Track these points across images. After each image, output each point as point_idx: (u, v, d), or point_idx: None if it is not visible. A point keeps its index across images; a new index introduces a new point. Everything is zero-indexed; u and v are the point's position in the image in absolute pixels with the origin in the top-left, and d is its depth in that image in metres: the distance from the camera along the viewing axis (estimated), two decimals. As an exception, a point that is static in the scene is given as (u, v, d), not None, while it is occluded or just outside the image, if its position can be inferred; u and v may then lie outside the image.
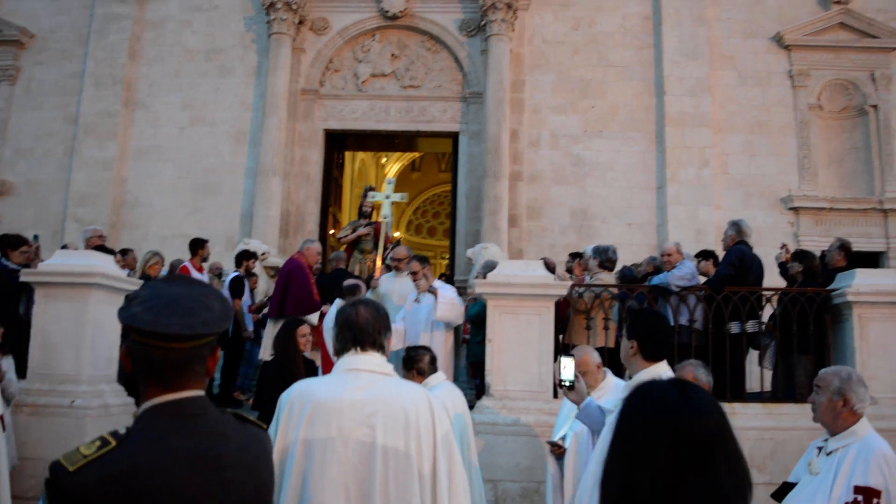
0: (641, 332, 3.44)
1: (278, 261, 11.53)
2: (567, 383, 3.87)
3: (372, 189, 12.80)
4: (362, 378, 2.57)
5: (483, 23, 12.66)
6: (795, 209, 12.37)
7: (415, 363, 4.70)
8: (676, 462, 1.25)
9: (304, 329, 5.38)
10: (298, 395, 2.59)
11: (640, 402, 1.35)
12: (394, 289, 8.27)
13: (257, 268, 10.23)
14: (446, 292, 7.54)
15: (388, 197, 9.57)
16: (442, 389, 4.71)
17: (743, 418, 6.34)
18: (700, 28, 12.67)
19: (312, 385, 2.65)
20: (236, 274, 9.18)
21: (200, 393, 1.60)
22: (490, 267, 7.21)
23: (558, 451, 4.96)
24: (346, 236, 11.09)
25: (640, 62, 12.80)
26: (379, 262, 9.25)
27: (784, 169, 12.50)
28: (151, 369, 1.55)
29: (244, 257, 9.50)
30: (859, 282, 6.60)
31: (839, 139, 12.80)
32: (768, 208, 12.34)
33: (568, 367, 3.89)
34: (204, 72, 13.13)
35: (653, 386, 1.37)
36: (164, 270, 8.72)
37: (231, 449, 1.57)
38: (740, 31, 12.90)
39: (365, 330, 2.64)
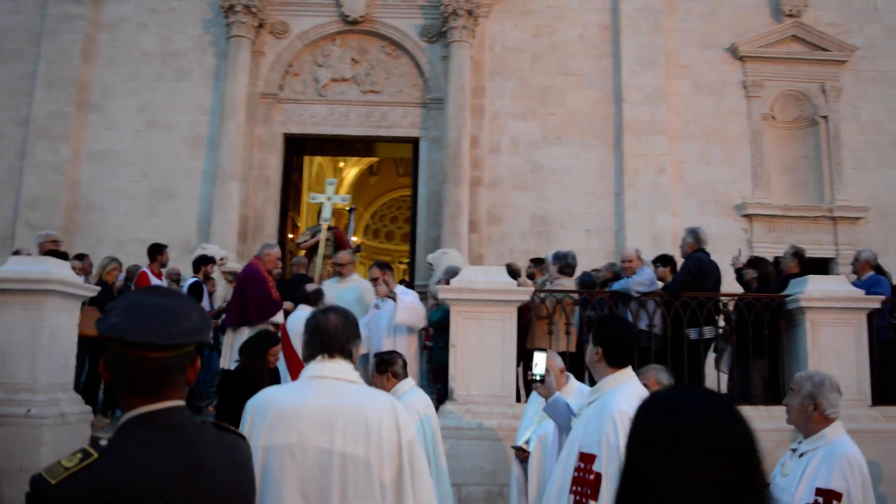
0: (607, 339, 3.45)
1: (237, 266, 11.40)
2: (538, 377, 3.92)
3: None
4: (325, 385, 2.56)
5: (444, 29, 12.71)
6: (749, 216, 12.65)
7: (389, 366, 4.72)
8: (722, 470, 1.24)
9: (277, 349, 5.35)
10: (261, 403, 2.58)
11: (670, 413, 1.31)
12: (334, 294, 8.15)
13: (215, 273, 10.10)
14: (406, 296, 7.55)
15: (329, 199, 9.31)
16: (414, 394, 4.75)
17: (701, 421, 6.46)
18: (657, 38, 12.90)
19: (275, 392, 2.66)
20: (195, 280, 9.06)
21: (181, 403, 1.60)
22: (453, 273, 7.24)
23: (523, 455, 5.01)
24: (306, 241, 11.02)
25: (598, 70, 12.98)
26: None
27: (738, 177, 12.78)
28: (131, 380, 1.54)
29: (202, 262, 9.38)
30: (812, 288, 6.79)
31: (791, 148, 13.13)
32: (723, 215, 12.60)
33: (540, 363, 3.94)
34: (160, 74, 12.95)
35: (677, 396, 1.36)
36: (122, 276, 8.57)
37: (212, 458, 1.57)
38: (696, 42, 13.17)
39: (333, 337, 2.64)
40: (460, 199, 12.00)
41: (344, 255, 8.46)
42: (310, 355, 2.65)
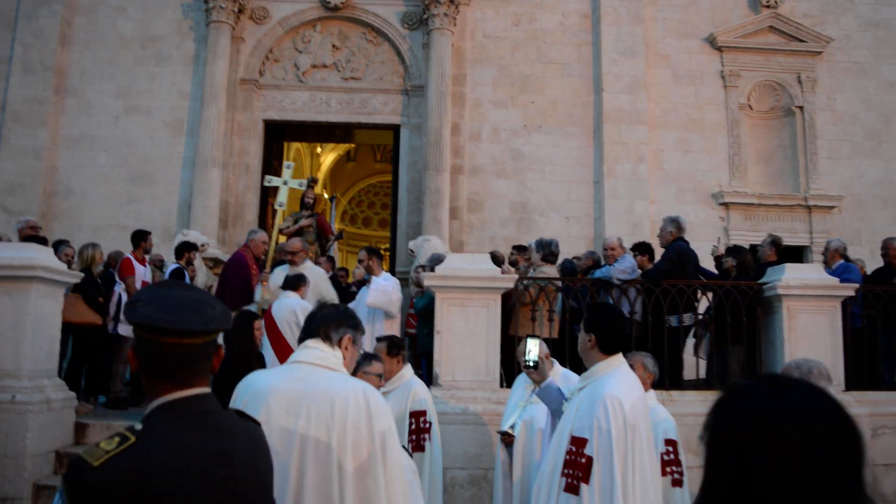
0: (599, 327, 3.52)
1: (217, 252, 11.40)
2: (531, 363, 4.01)
3: (314, 180, 12.75)
4: (303, 370, 2.66)
5: (425, 16, 12.71)
6: (726, 204, 12.84)
7: (401, 350, 4.88)
8: (825, 464, 1.17)
9: (259, 323, 5.41)
10: (244, 385, 2.71)
11: (766, 406, 1.22)
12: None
13: (196, 259, 10.08)
14: (385, 282, 7.61)
15: (285, 183, 8.91)
16: (418, 379, 4.91)
17: (680, 405, 6.61)
18: (637, 27, 13.00)
19: (257, 375, 2.78)
20: (177, 266, 9.05)
21: (207, 390, 1.66)
22: (437, 260, 7.32)
23: (508, 439, 5.13)
24: (288, 227, 11.02)
25: (578, 59, 13.07)
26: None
27: (715, 165, 12.96)
28: (162, 367, 1.59)
29: (186, 249, 9.36)
30: (788, 276, 6.94)
31: (767, 138, 13.32)
32: (700, 203, 12.77)
33: (533, 349, 4.03)
34: (139, 59, 12.83)
35: (774, 386, 1.27)
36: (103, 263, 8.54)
37: (237, 444, 1.63)
38: (675, 32, 13.29)
39: (319, 325, 2.75)
40: (441, 186, 12.05)
41: (295, 243, 8.12)
42: (299, 341, 2.78)
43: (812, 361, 3.45)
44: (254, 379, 2.71)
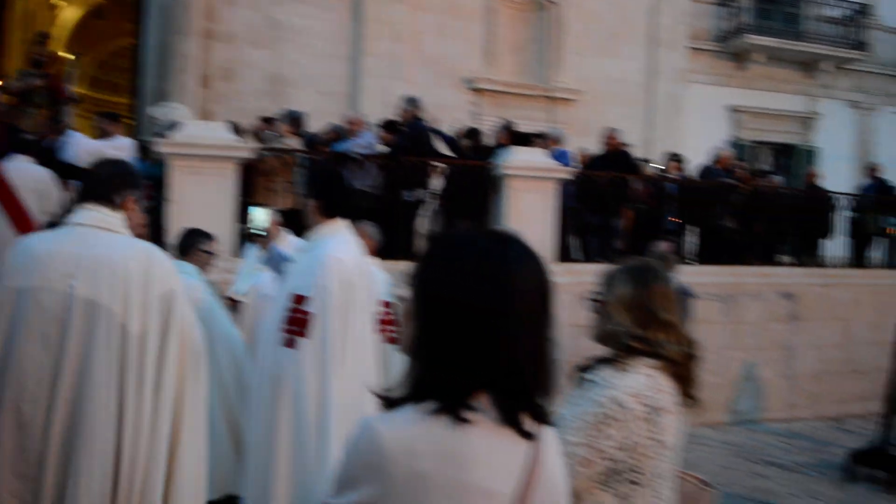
0: (321, 191, 3.61)
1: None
2: (259, 231, 4.06)
3: (45, 35, 11.50)
4: (81, 233, 2.57)
5: None
6: (478, 90, 13.39)
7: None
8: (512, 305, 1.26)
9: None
10: (20, 250, 2.61)
11: (466, 249, 1.29)
12: None
13: None
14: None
15: None
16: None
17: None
18: None
19: (34, 238, 2.68)
20: None
21: None
22: (173, 127, 7.05)
23: (232, 304, 5.24)
24: (16, 87, 9.94)
25: (342, -72, 12.66)
26: None
27: (471, 52, 13.37)
28: None
29: None
30: (513, 158, 7.51)
31: (521, 29, 13.92)
32: (454, 87, 13.19)
33: (258, 218, 4.08)
34: None
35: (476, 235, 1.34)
36: None
37: None
38: (438, -88, 13.23)
39: (97, 185, 2.65)
40: (190, 51, 11.39)
41: None
42: (77, 202, 2.68)
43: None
44: (32, 242, 2.59)
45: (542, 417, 1.31)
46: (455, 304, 1.24)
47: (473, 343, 1.23)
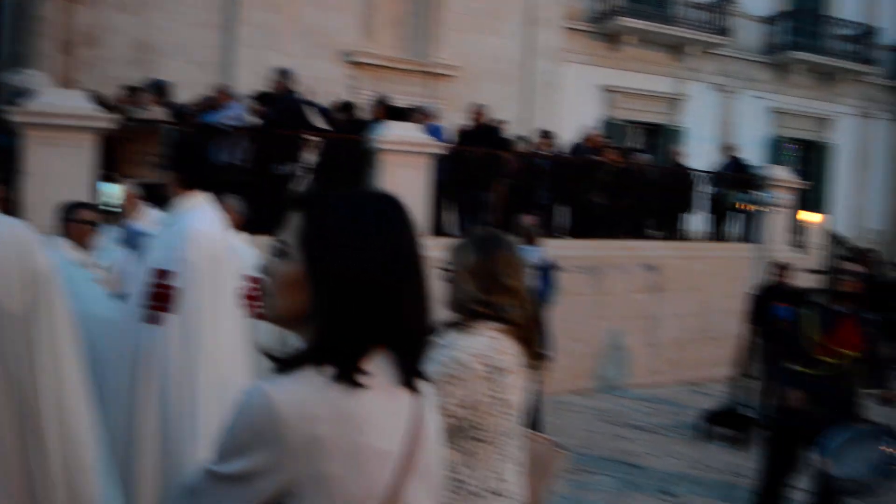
0: (178, 163, 3.53)
1: None
2: (112, 209, 3.92)
3: None
4: None
5: None
6: (357, 63, 13.28)
7: None
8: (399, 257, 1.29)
9: None
10: None
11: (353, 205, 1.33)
12: None
13: None
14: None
15: None
16: None
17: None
18: None
19: None
20: None
21: None
22: (28, 95, 6.67)
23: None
24: None
25: None
26: None
27: (350, 24, 13.22)
28: None
29: None
30: (387, 132, 7.54)
31: (400, 4, 13.86)
32: (332, 60, 13.02)
33: (111, 194, 3.94)
34: None
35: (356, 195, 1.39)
36: None
37: None
38: None
39: None
40: (49, 14, 10.75)
41: None
42: None
43: None
44: None
45: (423, 375, 1.35)
46: (354, 273, 1.24)
47: (373, 308, 1.24)
